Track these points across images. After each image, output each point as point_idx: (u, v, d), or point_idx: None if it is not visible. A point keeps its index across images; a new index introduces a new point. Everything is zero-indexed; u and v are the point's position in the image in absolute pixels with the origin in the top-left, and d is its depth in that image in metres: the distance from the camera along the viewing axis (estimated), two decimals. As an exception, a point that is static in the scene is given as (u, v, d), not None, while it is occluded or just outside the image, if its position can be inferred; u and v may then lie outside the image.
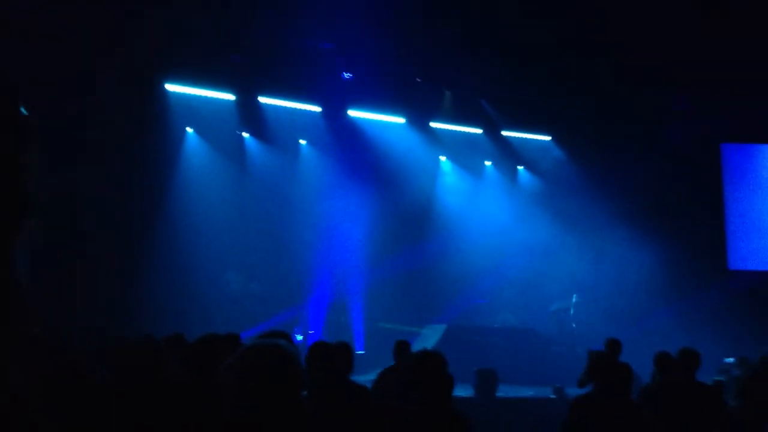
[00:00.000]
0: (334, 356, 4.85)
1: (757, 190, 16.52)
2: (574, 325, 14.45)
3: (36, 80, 11.15)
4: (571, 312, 14.66)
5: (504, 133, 16.20)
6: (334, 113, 14.77)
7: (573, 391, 9.65)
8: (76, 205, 11.94)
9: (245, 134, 14.63)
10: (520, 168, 16.78)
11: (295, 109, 14.54)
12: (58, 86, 11.37)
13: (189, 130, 14.13)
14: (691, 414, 5.29)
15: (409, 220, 15.35)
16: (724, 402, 5.40)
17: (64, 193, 11.71)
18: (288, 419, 1.92)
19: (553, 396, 10.19)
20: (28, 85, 10.91)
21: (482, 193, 16.21)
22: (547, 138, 16.53)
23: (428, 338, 12.80)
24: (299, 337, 12.93)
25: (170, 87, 13.49)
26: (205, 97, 13.82)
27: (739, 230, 16.37)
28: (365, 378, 9.37)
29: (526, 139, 16.52)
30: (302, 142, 15.13)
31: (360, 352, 13.76)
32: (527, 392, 10.70)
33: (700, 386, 5.44)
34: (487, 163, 16.64)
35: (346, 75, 14.13)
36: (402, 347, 7.29)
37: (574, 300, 14.78)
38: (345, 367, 4.86)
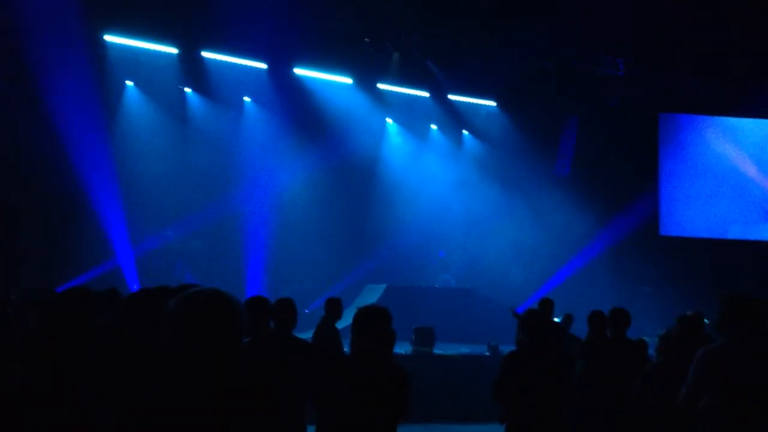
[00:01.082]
0: (275, 310, 4.92)
1: (689, 160, 17.15)
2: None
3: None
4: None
5: (450, 97, 16.27)
6: (281, 71, 14.54)
7: (506, 349, 10.02)
8: (18, 157, 11.60)
9: (187, 89, 14.30)
10: (465, 132, 16.94)
11: (240, 65, 14.26)
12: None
13: (129, 83, 13.73)
14: (618, 367, 5.58)
15: (353, 182, 15.38)
16: (647, 357, 5.71)
17: (8, 144, 11.37)
18: (228, 361, 1.96)
19: (487, 353, 10.54)
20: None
21: (427, 156, 16.33)
22: (493, 104, 16.70)
23: (368, 297, 12.97)
24: None
25: (110, 38, 13.05)
26: (146, 50, 13.42)
27: (671, 197, 17.00)
28: (307, 335, 9.51)
29: (471, 103, 16.64)
30: (247, 99, 14.88)
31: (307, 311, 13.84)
32: (463, 349, 11.02)
33: (627, 342, 5.73)
34: (433, 126, 16.73)
35: (292, 32, 13.88)
36: (331, 303, 7.47)
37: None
38: (289, 321, 4.93)
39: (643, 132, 16.87)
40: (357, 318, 3.73)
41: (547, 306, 8.12)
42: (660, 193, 16.99)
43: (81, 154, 12.38)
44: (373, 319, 3.71)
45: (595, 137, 16.33)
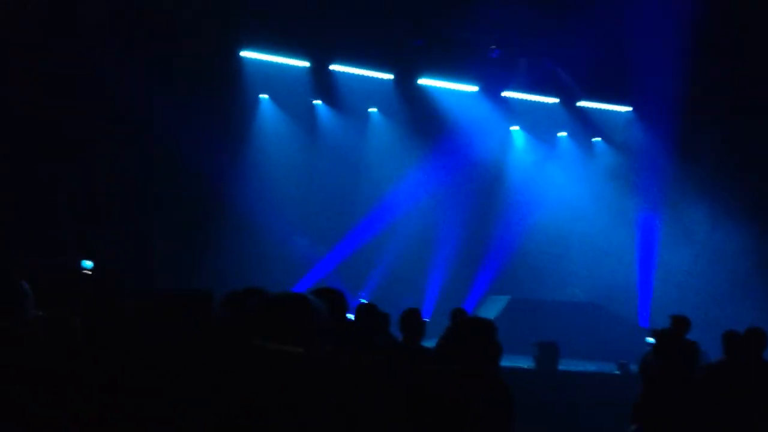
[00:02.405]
0: (377, 316, 4.95)
1: None
2: None
3: (119, 45, 11.69)
4: None
5: (580, 103, 15.69)
6: (406, 81, 14.69)
7: (637, 368, 9.46)
8: (154, 168, 12.46)
9: (317, 101, 14.78)
10: (596, 139, 16.26)
11: (366, 77, 14.55)
12: (134, 53, 11.83)
13: (263, 96, 14.39)
14: (755, 394, 5.10)
15: (479, 191, 15.20)
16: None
17: (143, 153, 12.26)
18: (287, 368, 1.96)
19: (617, 372, 10.01)
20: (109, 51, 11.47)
21: (554, 164, 15.84)
22: (628, 109, 15.90)
23: (490, 309, 12.73)
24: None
25: (246, 54, 13.75)
26: (280, 64, 14.01)
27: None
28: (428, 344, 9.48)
29: (603, 109, 15.95)
30: (373, 109, 15.15)
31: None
32: (590, 367, 10.53)
33: (766, 366, 5.22)
34: (562, 133, 16.21)
35: (418, 42, 13.98)
36: (457, 314, 7.34)
37: None
38: (415, 331, 4.96)
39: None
40: (460, 329, 3.63)
41: (681, 324, 7.59)
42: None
43: (219, 163, 13.14)
44: (476, 331, 3.59)
45: (744, 143, 15.09)
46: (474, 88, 15.05)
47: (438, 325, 11.12)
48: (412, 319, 4.86)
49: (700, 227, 14.91)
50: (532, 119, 15.75)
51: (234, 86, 13.51)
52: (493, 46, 14.41)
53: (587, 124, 15.96)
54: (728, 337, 5.82)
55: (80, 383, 2.61)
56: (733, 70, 14.29)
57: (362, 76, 14.54)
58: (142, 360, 2.79)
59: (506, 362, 8.39)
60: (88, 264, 10.25)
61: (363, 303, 4.86)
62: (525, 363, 9.88)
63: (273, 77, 14.00)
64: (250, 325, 2.02)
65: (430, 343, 7.86)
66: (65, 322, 3.71)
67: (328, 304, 3.36)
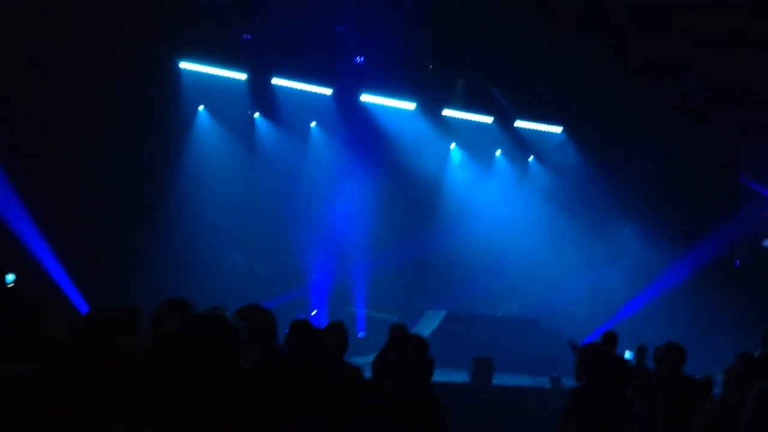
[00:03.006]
0: (326, 334, 4.89)
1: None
2: None
3: (53, 54, 11.38)
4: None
5: (516, 123, 16.11)
6: (346, 97, 14.77)
7: (570, 382, 9.71)
8: (92, 178, 12.14)
9: (256, 114, 14.69)
10: (531, 159, 16.70)
11: (306, 91, 14.55)
12: (74, 62, 11.56)
13: (201, 108, 14.21)
14: (677, 407, 5.30)
15: (416, 207, 15.37)
16: (710, 396, 5.40)
17: (78, 167, 11.92)
18: (220, 388, 1.97)
19: (549, 385, 10.23)
20: (39, 60, 11.15)
21: (491, 182, 16.16)
22: (559, 129, 16.41)
23: (427, 324, 12.84)
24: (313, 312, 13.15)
25: (184, 65, 13.56)
26: (218, 76, 13.87)
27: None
28: (365, 360, 9.48)
29: (537, 130, 16.41)
30: (313, 124, 15.16)
31: (361, 335, 13.84)
32: (524, 381, 10.73)
33: (685, 380, 5.44)
34: (498, 152, 16.58)
35: (359, 59, 14.11)
36: (395, 330, 7.35)
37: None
38: (339, 346, 4.89)
39: (719, 159, 16.21)
40: (395, 348, 3.67)
41: (610, 339, 7.84)
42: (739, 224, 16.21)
43: (154, 174, 12.88)
44: (408, 349, 3.64)
45: (667, 164, 15.77)
46: (411, 106, 15.25)
47: (373, 340, 11.14)
48: (336, 333, 4.83)
49: (631, 245, 15.47)
50: (469, 137, 16.05)
51: (172, 97, 13.29)
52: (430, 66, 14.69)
53: (522, 143, 16.37)
54: (640, 350, 6.04)
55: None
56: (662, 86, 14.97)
57: (302, 90, 14.54)
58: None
59: (442, 376, 8.47)
60: (10, 278, 9.84)
61: (295, 320, 4.79)
62: (460, 377, 9.99)
63: (211, 89, 13.84)
64: (164, 345, 2.02)
65: (367, 358, 7.88)
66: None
67: (252, 322, 3.36)
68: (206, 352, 1.97)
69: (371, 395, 3.87)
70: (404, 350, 3.68)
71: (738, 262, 16.17)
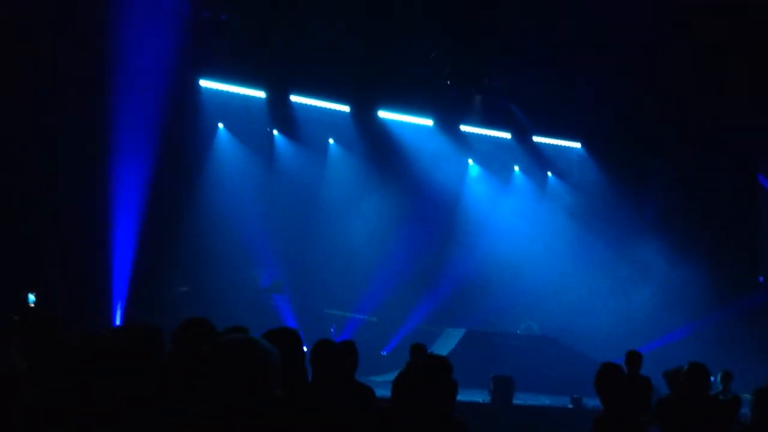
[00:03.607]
0: (338, 354, 4.85)
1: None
2: None
3: (73, 74, 11.52)
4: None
5: (534, 138, 16.04)
6: (364, 113, 14.81)
7: (591, 402, 9.55)
8: (112, 196, 12.21)
9: (275, 131, 14.76)
10: (550, 174, 16.60)
11: (324, 109, 14.61)
12: (95, 80, 11.69)
13: (220, 125, 14.30)
14: (697, 428, 5.17)
15: (434, 223, 15.30)
16: (736, 418, 5.27)
17: (98, 182, 12.01)
18: (254, 414, 1.93)
19: (570, 406, 10.08)
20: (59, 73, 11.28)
21: (509, 198, 16.07)
22: (577, 145, 16.32)
23: (446, 342, 12.74)
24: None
25: (204, 83, 13.67)
26: (238, 94, 13.97)
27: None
28: (385, 378, 9.41)
29: (556, 145, 16.32)
30: (331, 141, 15.20)
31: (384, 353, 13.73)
32: (544, 401, 10.59)
33: (711, 401, 5.32)
34: (516, 168, 16.51)
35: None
36: (416, 350, 7.28)
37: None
38: (349, 365, 4.85)
39: (740, 174, 16.03)
40: (418, 370, 3.61)
41: (633, 359, 7.67)
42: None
43: (174, 191, 12.96)
44: (432, 372, 3.57)
45: (687, 182, 15.62)
46: (429, 122, 15.25)
47: (395, 358, 11.06)
48: (347, 352, 4.79)
49: (654, 263, 15.25)
50: (487, 153, 16.00)
51: (192, 114, 13.39)
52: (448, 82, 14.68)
53: (541, 158, 16.29)
54: (670, 374, 5.91)
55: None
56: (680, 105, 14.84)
57: (320, 107, 14.61)
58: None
59: (461, 396, 8.34)
60: (32, 297, 9.92)
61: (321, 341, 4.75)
62: (480, 397, 9.88)
63: (230, 107, 13.94)
64: (196, 370, 1.99)
65: (389, 377, 7.82)
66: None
67: (281, 345, 3.33)
68: (241, 377, 1.94)
69: (391, 418, 3.80)
70: (429, 373, 3.63)
71: (761, 278, 15.92)
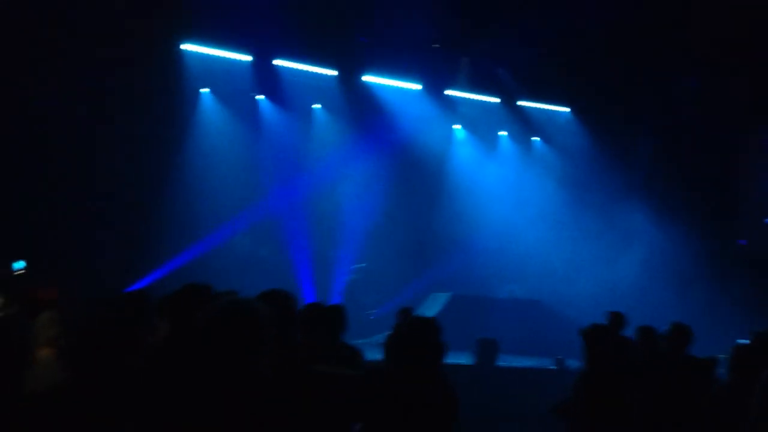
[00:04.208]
0: (326, 317, 4.90)
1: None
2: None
3: (56, 37, 11.32)
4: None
5: (521, 103, 15.98)
6: (350, 78, 14.67)
7: (574, 363, 9.72)
8: (93, 162, 12.10)
9: (260, 96, 14.60)
10: (536, 139, 16.60)
11: (310, 73, 14.45)
12: (73, 47, 11.48)
13: (204, 90, 14.13)
14: (680, 388, 5.29)
15: (420, 188, 15.32)
16: (714, 377, 5.39)
17: (82, 150, 11.90)
18: (241, 377, 1.97)
19: (553, 367, 10.26)
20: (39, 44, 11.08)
21: (495, 163, 16.09)
22: (566, 110, 16.28)
23: (432, 306, 12.85)
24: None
25: (186, 47, 13.46)
26: (221, 58, 13.77)
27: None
28: (372, 340, 9.53)
29: (543, 109, 16.28)
30: (317, 106, 15.07)
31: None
32: (528, 362, 10.76)
33: (691, 360, 5.43)
34: (503, 133, 16.49)
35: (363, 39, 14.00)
36: (404, 314, 7.37)
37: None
38: (338, 327, 4.90)
39: (722, 143, 16.09)
40: (405, 331, 3.65)
41: (616, 320, 7.79)
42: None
43: (158, 158, 12.84)
44: (419, 333, 3.62)
45: (672, 147, 15.67)
46: (417, 86, 15.15)
47: (384, 321, 11.12)
48: (336, 315, 4.84)
49: (642, 230, 15.38)
50: (474, 118, 15.95)
51: (174, 79, 13.20)
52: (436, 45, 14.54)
53: (528, 123, 16.26)
54: (644, 331, 5.99)
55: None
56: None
57: (306, 71, 14.44)
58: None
59: (447, 358, 8.48)
60: (18, 264, 9.87)
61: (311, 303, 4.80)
62: (465, 359, 10.02)
63: (214, 71, 13.74)
64: (201, 336, 2.02)
65: (376, 339, 7.90)
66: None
67: (274, 307, 3.36)
68: (239, 339, 1.97)
69: (381, 378, 3.85)
70: (418, 333, 3.67)
71: (744, 241, 16.11)
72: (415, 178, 15.14)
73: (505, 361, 10.36)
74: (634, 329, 6.41)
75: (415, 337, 3.66)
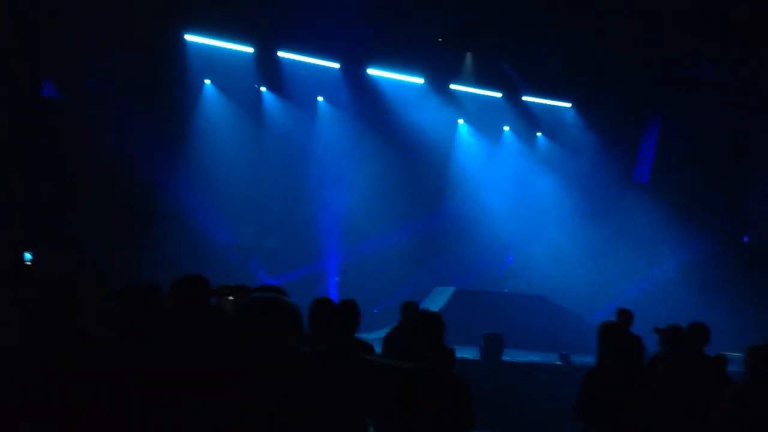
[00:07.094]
0: (338, 312, 4.83)
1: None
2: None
3: (61, 30, 11.24)
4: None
5: (524, 98, 15.91)
6: (353, 71, 14.58)
7: (579, 359, 9.70)
8: (95, 151, 12.02)
9: (263, 88, 14.52)
10: (539, 134, 16.54)
11: (313, 65, 14.36)
12: (77, 35, 11.40)
13: (207, 81, 14.05)
14: (695, 386, 5.24)
15: (424, 182, 15.26)
16: (726, 376, 5.34)
17: (84, 138, 11.82)
18: (285, 365, 2.04)
19: (558, 362, 10.23)
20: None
21: (499, 157, 16.03)
22: (568, 105, 16.22)
23: (437, 300, 12.81)
24: None
25: (190, 38, 13.37)
26: (224, 49, 13.68)
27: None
28: (375, 336, 9.46)
29: (546, 105, 16.22)
30: (320, 98, 14.99)
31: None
32: (533, 357, 10.73)
33: (705, 359, 5.38)
34: (506, 128, 16.43)
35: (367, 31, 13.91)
36: (408, 307, 7.28)
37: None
38: (351, 324, 4.83)
39: (730, 138, 16.02)
40: (416, 326, 3.59)
41: (625, 317, 7.74)
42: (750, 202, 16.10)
43: (160, 149, 12.76)
44: (429, 328, 3.55)
45: (678, 142, 15.61)
46: (420, 80, 15.06)
47: (387, 316, 11.05)
48: (348, 311, 4.77)
49: (644, 225, 15.35)
50: (478, 112, 15.87)
51: (177, 70, 13.11)
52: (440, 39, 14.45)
53: (531, 118, 16.20)
54: (671, 330, 5.96)
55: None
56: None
57: (309, 63, 14.35)
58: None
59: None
60: (28, 256, 9.82)
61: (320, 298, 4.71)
62: (470, 354, 9.97)
63: (217, 62, 13.66)
64: (246, 329, 2.10)
65: (379, 334, 7.85)
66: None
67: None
68: (272, 330, 2.07)
69: (391, 373, 3.79)
70: (423, 331, 3.60)
71: (746, 238, 16.08)
72: (418, 172, 15.08)
73: (510, 356, 10.33)
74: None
75: (421, 334, 3.60)
